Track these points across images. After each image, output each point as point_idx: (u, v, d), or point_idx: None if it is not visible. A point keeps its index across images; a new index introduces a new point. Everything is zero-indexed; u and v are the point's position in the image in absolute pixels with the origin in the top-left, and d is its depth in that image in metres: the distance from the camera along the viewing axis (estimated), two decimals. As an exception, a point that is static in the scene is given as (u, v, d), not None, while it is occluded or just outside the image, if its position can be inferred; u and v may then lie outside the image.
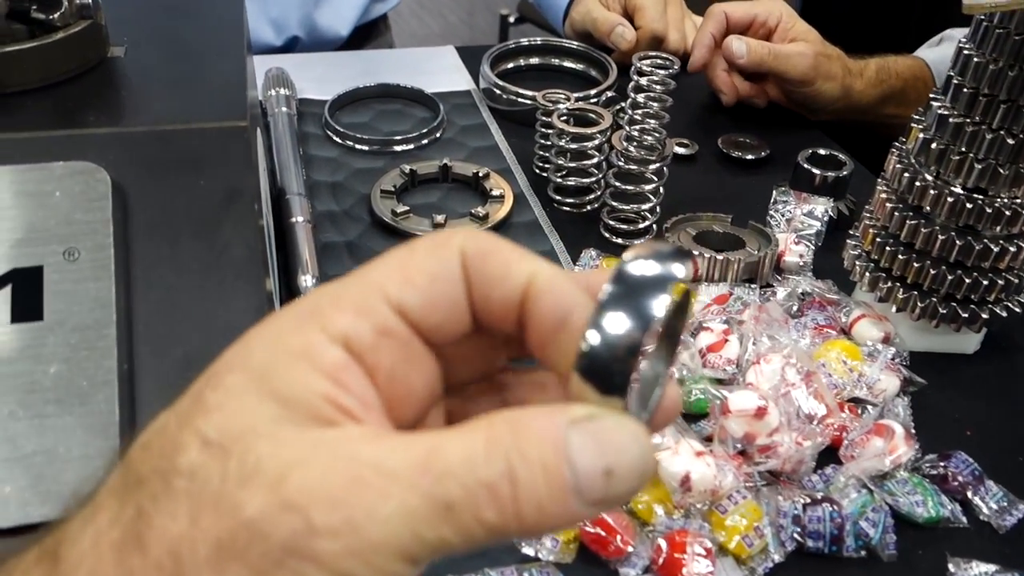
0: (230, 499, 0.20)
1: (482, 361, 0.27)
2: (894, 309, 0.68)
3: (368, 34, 1.34)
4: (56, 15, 0.52)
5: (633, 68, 0.76)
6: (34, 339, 0.43)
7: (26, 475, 0.41)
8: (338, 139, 0.93)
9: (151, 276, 0.47)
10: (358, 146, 0.92)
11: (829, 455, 0.59)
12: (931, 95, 0.63)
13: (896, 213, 0.65)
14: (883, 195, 0.67)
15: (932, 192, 0.62)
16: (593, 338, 0.21)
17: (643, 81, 0.75)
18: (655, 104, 0.75)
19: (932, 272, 0.64)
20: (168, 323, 0.46)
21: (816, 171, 0.82)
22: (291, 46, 1.22)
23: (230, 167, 0.50)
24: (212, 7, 0.64)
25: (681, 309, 0.24)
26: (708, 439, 0.59)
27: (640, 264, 0.22)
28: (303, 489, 0.20)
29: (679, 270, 0.22)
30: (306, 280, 0.70)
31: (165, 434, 0.22)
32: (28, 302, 0.44)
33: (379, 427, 0.23)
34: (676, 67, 0.75)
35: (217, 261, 0.48)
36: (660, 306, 0.21)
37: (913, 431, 0.60)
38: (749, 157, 0.93)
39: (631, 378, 0.21)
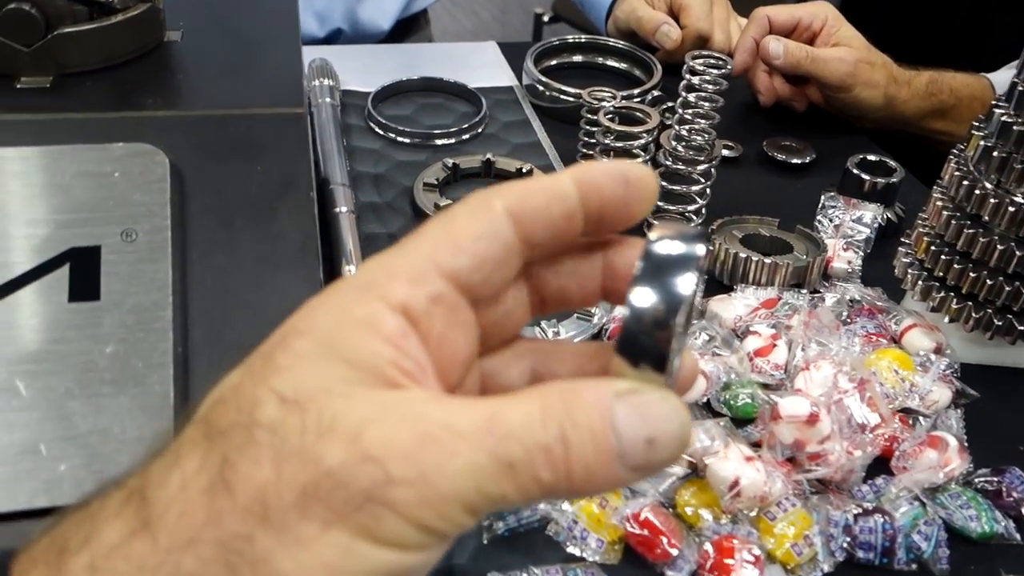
0: (311, 451, 0.22)
1: (510, 322, 0.29)
2: (947, 319, 0.66)
3: (408, 29, 1.34)
4: (117, -3, 0.52)
5: (685, 67, 0.75)
6: (91, 319, 0.43)
7: (81, 454, 0.41)
8: (380, 131, 0.93)
9: (206, 260, 0.47)
10: (400, 138, 0.92)
11: (878, 465, 0.58)
12: (994, 102, 0.62)
13: (953, 221, 0.64)
14: (939, 203, 0.66)
15: (992, 201, 0.61)
16: (629, 318, 0.23)
17: (695, 80, 0.74)
18: (706, 104, 0.74)
19: (988, 283, 0.63)
20: (222, 308, 0.46)
21: (866, 177, 0.80)
22: (334, 38, 1.23)
23: (286, 153, 0.50)
24: (267, -6, 0.64)
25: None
26: (756, 444, 0.58)
27: (667, 244, 0.24)
28: (380, 443, 0.22)
29: (701, 250, 0.24)
30: (349, 270, 0.69)
31: (241, 391, 0.23)
32: (86, 282, 0.44)
33: (435, 389, 0.25)
34: (729, 67, 0.74)
35: (272, 247, 0.48)
36: (688, 285, 0.23)
37: (966, 444, 0.59)
38: (795, 161, 0.92)
39: (668, 354, 0.23)
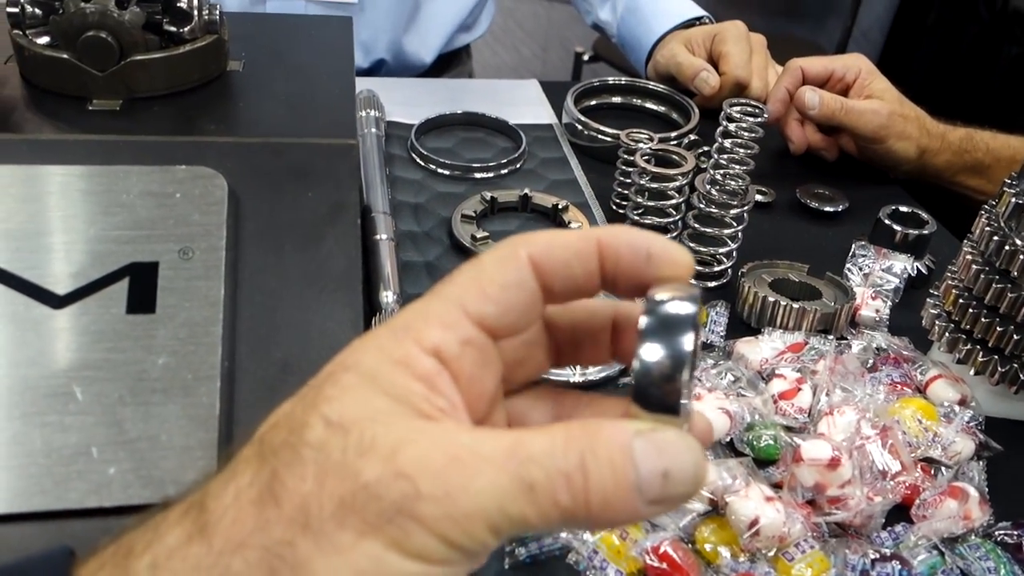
0: (351, 467, 0.24)
1: (533, 364, 0.32)
2: (972, 372, 0.67)
3: (450, 62, 1.37)
4: (186, 29, 0.56)
5: (723, 113, 0.77)
6: (146, 330, 0.46)
7: (130, 459, 0.43)
8: (422, 162, 0.96)
9: (256, 280, 0.49)
10: (441, 170, 0.95)
11: (898, 513, 0.59)
12: (1026, 160, 0.63)
13: (982, 276, 0.65)
14: (969, 256, 0.67)
15: (1022, 258, 0.62)
16: (640, 372, 0.25)
17: (731, 127, 0.76)
18: (741, 150, 0.76)
19: (1016, 337, 0.63)
20: (268, 327, 0.48)
21: (897, 227, 0.81)
22: (376, 69, 1.26)
23: (337, 182, 0.53)
24: (324, 29, 0.68)
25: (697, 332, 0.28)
26: (777, 486, 0.59)
27: (670, 303, 0.26)
28: (412, 462, 0.24)
29: (696, 306, 0.26)
30: (387, 296, 0.72)
31: (293, 416, 0.26)
32: (143, 295, 0.46)
33: (466, 423, 0.27)
34: (765, 115, 0.76)
35: (318, 271, 0.50)
36: (690, 342, 0.25)
37: (988, 496, 0.59)
38: (827, 209, 0.93)
39: (679, 402, 0.25)
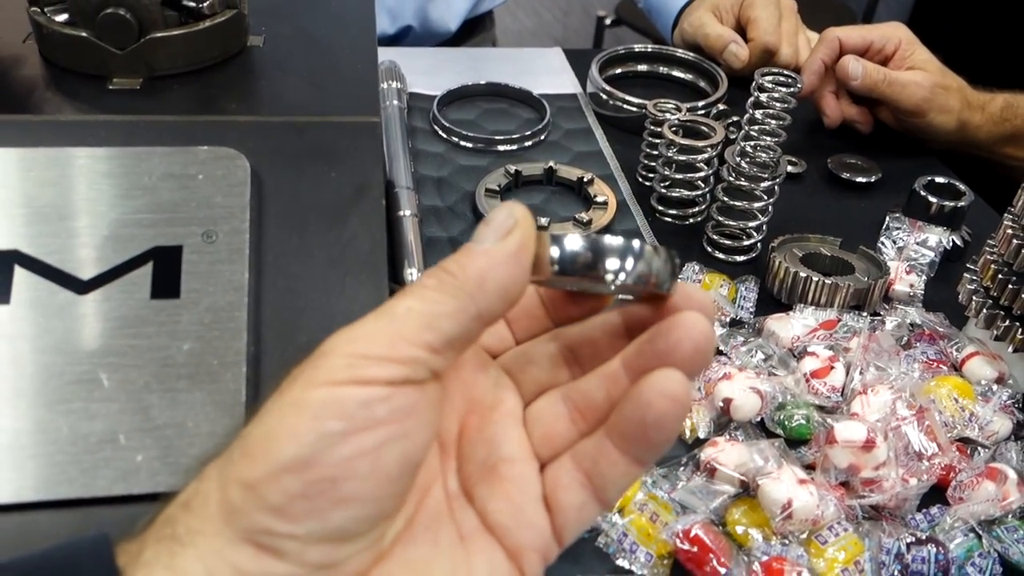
0: (294, 376, 0.26)
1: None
2: (1010, 349, 0.65)
3: (474, 28, 1.35)
4: (205, 4, 0.54)
5: (754, 83, 0.75)
6: (171, 316, 0.45)
7: (157, 446, 0.42)
8: (444, 135, 0.94)
9: (281, 263, 0.48)
10: (463, 143, 0.93)
11: (934, 495, 0.58)
12: (1072, 131, 0.61)
13: (1023, 250, 0.63)
14: (1009, 230, 0.65)
15: (1065, 232, 0.60)
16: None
17: (763, 97, 0.74)
18: (772, 121, 0.74)
19: (1057, 314, 0.62)
20: (293, 310, 0.48)
21: (933, 199, 0.79)
22: (403, 36, 1.25)
23: (360, 161, 0.51)
24: (344, 2, 0.66)
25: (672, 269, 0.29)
26: (809, 467, 0.58)
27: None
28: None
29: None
30: (412, 273, 0.71)
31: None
32: (167, 280, 0.46)
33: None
34: (798, 86, 0.74)
35: (343, 253, 0.49)
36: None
37: (1026, 478, 0.58)
38: (860, 180, 0.91)
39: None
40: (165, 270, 0.46)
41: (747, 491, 0.56)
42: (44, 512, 0.40)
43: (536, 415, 0.32)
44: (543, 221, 0.79)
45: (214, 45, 0.56)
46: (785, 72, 0.75)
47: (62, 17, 0.54)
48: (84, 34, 0.53)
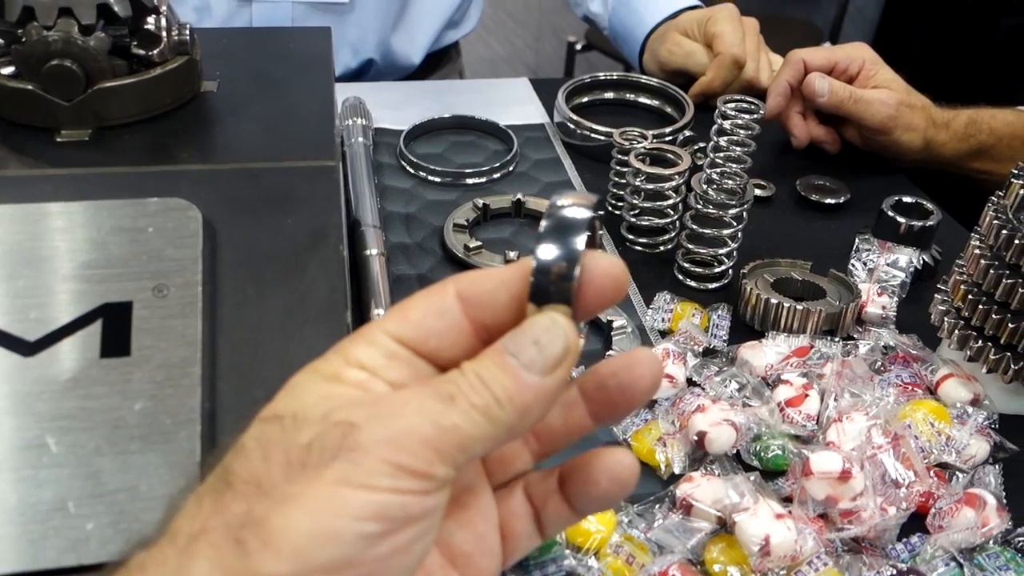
0: (289, 438, 0.26)
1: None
2: (984, 370, 0.65)
3: (440, 61, 1.35)
4: (155, 52, 0.53)
5: (717, 111, 0.74)
6: (121, 375, 0.44)
7: (108, 512, 0.41)
8: (412, 170, 0.93)
9: (236, 315, 0.47)
10: (431, 177, 0.92)
11: (913, 521, 0.57)
12: (1034, 150, 0.61)
13: (991, 270, 0.62)
14: (977, 250, 0.64)
15: (1032, 251, 0.60)
16: (537, 269, 0.28)
17: (726, 124, 0.74)
18: (738, 148, 0.74)
19: (1028, 334, 0.61)
20: (250, 364, 0.46)
21: (901, 219, 0.79)
22: (365, 69, 1.24)
23: (318, 206, 0.51)
24: (301, 42, 0.65)
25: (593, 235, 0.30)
26: (787, 498, 0.57)
27: (567, 208, 0.29)
28: (345, 414, 0.26)
29: (591, 212, 0.29)
30: (379, 313, 0.70)
31: (238, 436, 0.28)
32: (117, 337, 0.44)
33: None
34: (761, 112, 0.73)
35: (301, 302, 0.48)
36: (583, 243, 0.28)
37: (1004, 502, 0.57)
38: (829, 201, 0.91)
39: (571, 294, 0.28)
40: (115, 327, 0.44)
41: (725, 527, 0.55)
42: (-10, 588, 0.39)
43: None
44: (512, 255, 0.78)
45: (165, 93, 0.55)
46: (748, 99, 0.74)
47: (8, 70, 0.53)
48: (30, 87, 0.52)
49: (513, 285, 0.29)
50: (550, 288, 0.28)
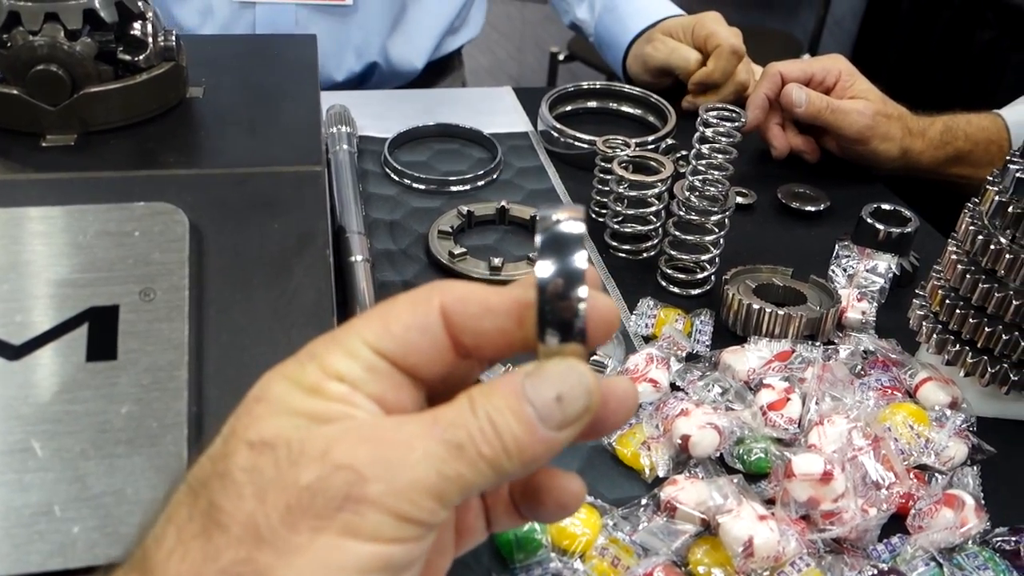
0: (288, 476, 0.25)
1: (463, 380, 0.32)
2: (962, 373, 0.66)
3: (444, 69, 1.35)
4: (141, 57, 0.53)
5: (699, 119, 0.75)
6: (108, 378, 0.44)
7: (94, 516, 0.41)
8: (396, 177, 0.94)
9: (222, 319, 0.47)
10: (416, 185, 0.93)
11: (894, 522, 0.57)
12: (1009, 157, 0.62)
13: (968, 275, 0.64)
14: (954, 256, 0.65)
15: (1007, 256, 0.61)
16: (540, 293, 0.26)
17: (708, 132, 0.75)
18: (720, 156, 0.75)
19: (1004, 338, 0.62)
20: (237, 366, 0.46)
21: (880, 226, 0.80)
22: (370, 73, 1.24)
23: (304, 211, 0.51)
24: (287, 49, 0.66)
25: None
26: (770, 501, 0.58)
27: (559, 224, 0.27)
28: (346, 454, 0.25)
29: (580, 227, 0.27)
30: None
31: (213, 449, 0.27)
32: (104, 341, 0.44)
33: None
34: (743, 120, 0.74)
35: (287, 306, 0.48)
36: (584, 259, 0.27)
37: (983, 502, 0.58)
38: (809, 209, 0.92)
39: (576, 320, 0.27)
40: (101, 331, 0.44)
41: (708, 529, 0.56)
42: (-26, 592, 0.39)
43: None
44: (496, 262, 0.79)
45: (151, 98, 0.55)
46: (729, 107, 0.75)
47: (-7, 74, 0.53)
48: (15, 91, 0.52)
49: (499, 317, 0.28)
50: (561, 325, 0.27)
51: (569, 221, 0.27)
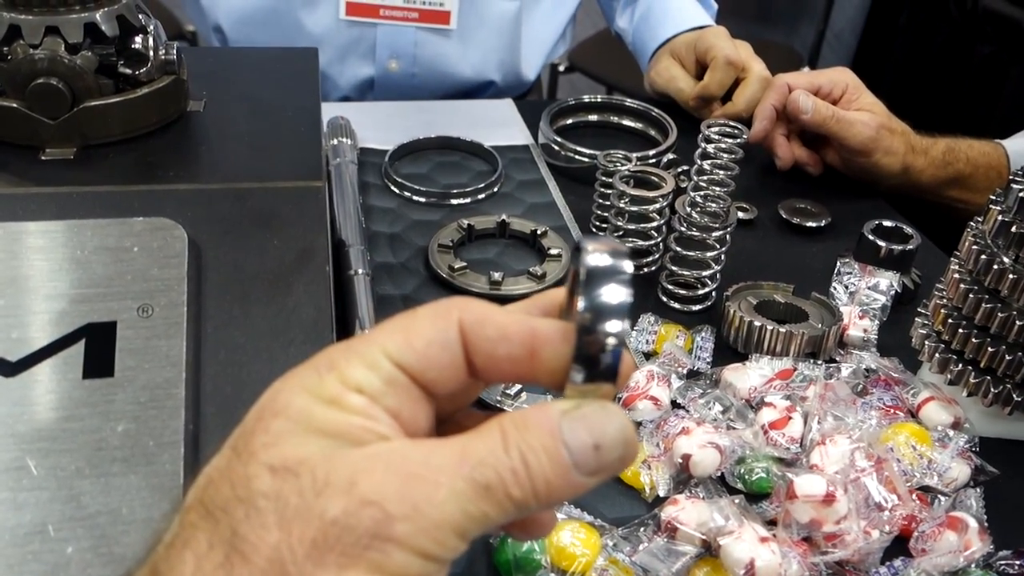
0: (313, 508, 0.24)
1: (465, 397, 0.31)
2: (965, 393, 0.65)
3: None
4: (142, 71, 0.53)
5: (700, 135, 0.75)
6: (104, 396, 0.43)
7: (89, 536, 0.40)
8: (397, 190, 0.93)
9: (221, 335, 0.47)
10: (416, 197, 0.92)
11: (895, 546, 0.57)
12: (1012, 176, 0.62)
13: (970, 295, 0.63)
14: (956, 275, 0.65)
15: (1011, 276, 0.60)
16: (582, 331, 0.26)
17: (710, 148, 0.75)
18: (721, 172, 0.75)
19: (1008, 358, 0.62)
20: (235, 384, 0.46)
21: (882, 243, 0.80)
22: (485, 88, 1.28)
23: (304, 226, 0.50)
24: (289, 63, 0.65)
25: None
26: (771, 521, 0.57)
27: (602, 260, 0.26)
28: (373, 488, 0.24)
29: (630, 266, 0.26)
30: (364, 333, 0.69)
31: (231, 472, 0.26)
32: (101, 358, 0.44)
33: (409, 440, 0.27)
34: (744, 136, 0.74)
35: (286, 323, 0.48)
36: (626, 298, 0.26)
37: (986, 524, 0.58)
38: (810, 224, 0.92)
39: (617, 364, 0.26)
40: (98, 348, 0.44)
41: (709, 551, 0.55)
42: (-34, 614, 0.38)
43: None
44: (496, 276, 0.78)
45: (152, 112, 0.55)
46: (731, 123, 0.75)
47: (-8, 87, 0.53)
48: (15, 104, 0.51)
49: (514, 345, 0.28)
50: (597, 363, 0.26)
51: (617, 257, 0.26)
